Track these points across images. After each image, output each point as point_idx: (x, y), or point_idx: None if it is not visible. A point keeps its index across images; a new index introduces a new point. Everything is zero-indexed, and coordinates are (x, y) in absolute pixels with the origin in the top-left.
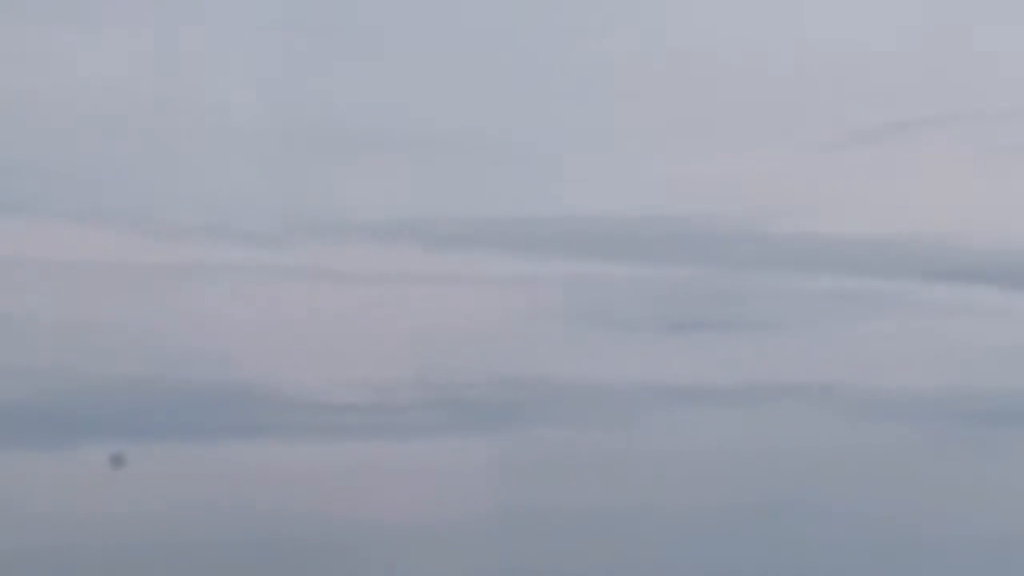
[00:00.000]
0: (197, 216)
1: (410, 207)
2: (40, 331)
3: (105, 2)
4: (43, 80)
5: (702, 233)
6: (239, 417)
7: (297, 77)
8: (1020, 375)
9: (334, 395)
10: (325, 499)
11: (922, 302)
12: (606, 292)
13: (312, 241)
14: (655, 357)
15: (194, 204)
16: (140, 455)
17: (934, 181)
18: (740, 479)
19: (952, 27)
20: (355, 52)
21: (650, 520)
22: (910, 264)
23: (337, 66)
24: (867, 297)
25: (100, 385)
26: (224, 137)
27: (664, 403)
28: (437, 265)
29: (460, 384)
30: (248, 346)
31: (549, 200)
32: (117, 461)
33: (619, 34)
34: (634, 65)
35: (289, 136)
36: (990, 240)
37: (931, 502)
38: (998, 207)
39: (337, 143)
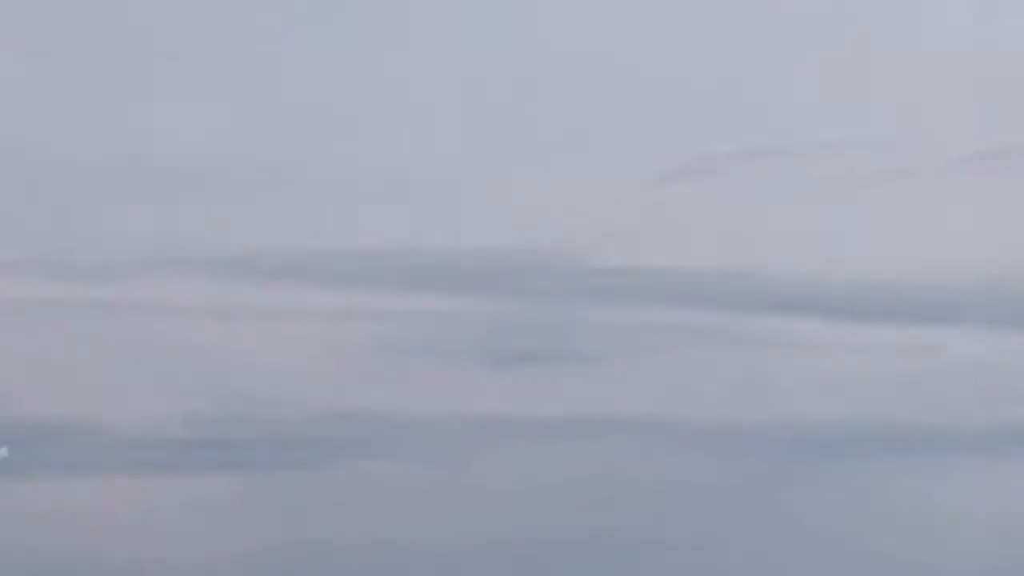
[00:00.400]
0: (24, 252)
1: (239, 241)
2: None
3: None
4: None
5: (528, 266)
6: (60, 454)
7: (114, 111)
8: (844, 407)
9: (161, 431)
10: (132, 537)
11: (747, 334)
12: (433, 325)
13: (142, 276)
14: (482, 391)
15: (19, 240)
16: None
17: (757, 213)
18: (567, 513)
19: (779, 58)
20: (168, 84)
21: (473, 556)
22: (735, 296)
23: (152, 99)
24: (693, 330)
25: None
26: (46, 173)
27: (491, 437)
28: (267, 299)
29: (288, 419)
30: (76, 382)
31: (377, 233)
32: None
33: (442, 63)
34: (458, 94)
35: (114, 171)
36: (812, 272)
37: (757, 534)
38: (820, 239)
39: (162, 177)
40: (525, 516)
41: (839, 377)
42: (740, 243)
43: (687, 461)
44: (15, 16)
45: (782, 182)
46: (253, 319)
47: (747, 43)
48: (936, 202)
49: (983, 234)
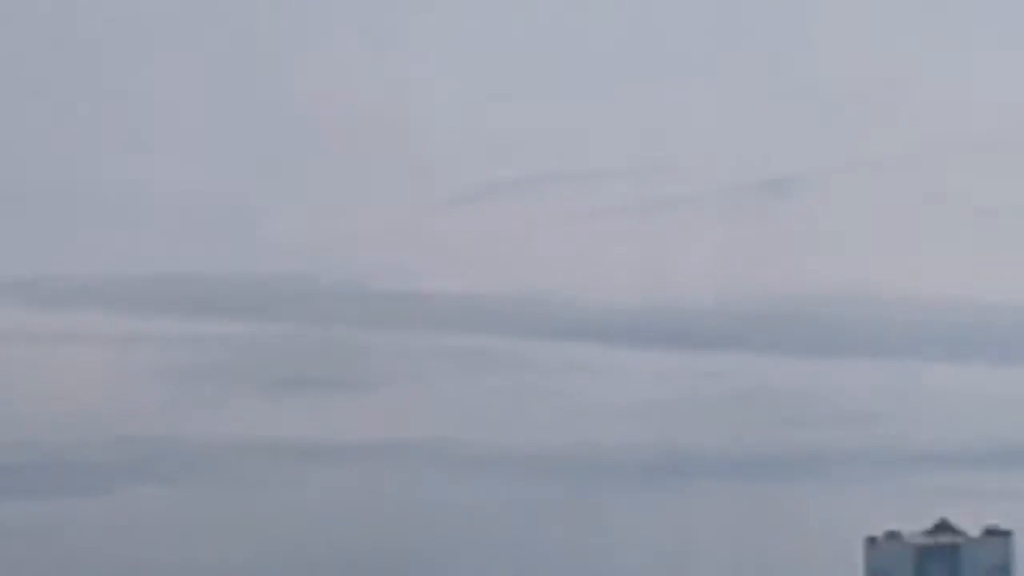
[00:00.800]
0: None
1: (11, 266)
2: None
3: None
4: None
5: (309, 291)
6: None
7: None
8: (627, 431)
9: None
10: None
11: (532, 359)
12: (214, 351)
13: None
14: (261, 415)
15: None
16: None
17: (540, 239)
18: (342, 535)
19: (565, 86)
20: None
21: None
22: (520, 322)
23: None
24: (478, 354)
25: None
26: None
27: (269, 461)
28: (42, 325)
29: (68, 444)
30: None
31: (151, 259)
32: None
33: (232, 89)
34: (246, 122)
35: None
36: (595, 298)
37: (529, 556)
38: (603, 265)
39: None
40: (302, 539)
41: (622, 402)
42: (523, 269)
43: (463, 485)
44: None
45: (566, 208)
46: (34, 344)
47: (531, 72)
48: (719, 228)
49: (765, 260)
